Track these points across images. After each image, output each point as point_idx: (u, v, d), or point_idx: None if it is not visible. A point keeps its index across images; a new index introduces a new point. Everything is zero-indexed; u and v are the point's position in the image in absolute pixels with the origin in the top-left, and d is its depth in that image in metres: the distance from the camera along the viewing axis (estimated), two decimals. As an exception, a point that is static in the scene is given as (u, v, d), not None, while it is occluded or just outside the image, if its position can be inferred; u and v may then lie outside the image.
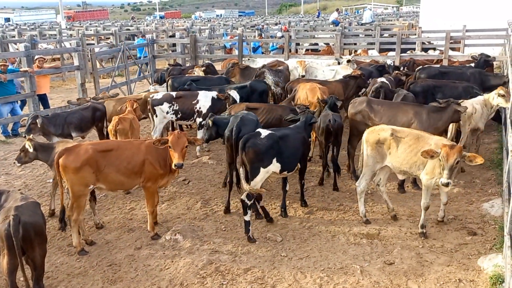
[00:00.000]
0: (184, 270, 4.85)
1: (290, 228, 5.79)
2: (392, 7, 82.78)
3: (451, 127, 7.42)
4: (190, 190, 7.09)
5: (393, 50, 13.44)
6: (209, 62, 11.76)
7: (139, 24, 36.14)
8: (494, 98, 7.33)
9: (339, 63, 11.73)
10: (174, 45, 20.87)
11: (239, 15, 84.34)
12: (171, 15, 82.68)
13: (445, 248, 5.16)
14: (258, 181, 5.50)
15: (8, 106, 10.11)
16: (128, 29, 26.46)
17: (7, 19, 59.89)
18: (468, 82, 8.78)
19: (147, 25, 32.45)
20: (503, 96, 7.20)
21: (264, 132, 5.66)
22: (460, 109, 6.54)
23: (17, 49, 15.09)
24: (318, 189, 7.02)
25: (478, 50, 14.63)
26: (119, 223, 6.05)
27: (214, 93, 8.38)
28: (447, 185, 4.77)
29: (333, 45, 14.95)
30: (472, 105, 7.33)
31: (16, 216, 3.79)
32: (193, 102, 8.27)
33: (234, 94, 8.72)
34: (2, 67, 9.71)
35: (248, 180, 5.45)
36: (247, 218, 5.46)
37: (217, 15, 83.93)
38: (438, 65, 11.03)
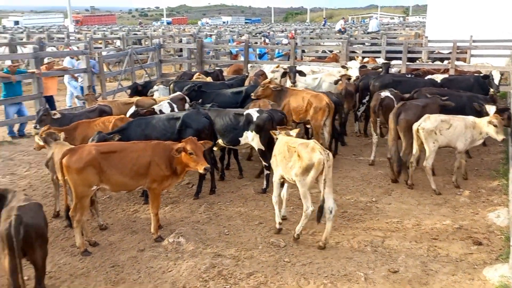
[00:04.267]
0: (186, 273, 4.82)
1: (293, 234, 5.75)
2: (399, 17, 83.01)
3: (414, 143, 7.08)
4: (194, 194, 7.06)
5: (399, 58, 13.46)
6: (219, 69, 11.82)
7: (146, 29, 36.37)
8: (485, 125, 6.80)
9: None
10: (180, 50, 21.01)
11: (246, 22, 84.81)
12: (178, 21, 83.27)
13: (450, 258, 5.11)
14: None
15: (14, 107, 10.16)
16: (136, 34, 26.64)
17: (16, 22, 60.62)
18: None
19: (154, 31, 32.64)
20: (495, 126, 6.66)
21: None
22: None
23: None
24: (322, 196, 6.98)
25: (485, 61, 14.66)
26: (123, 225, 6.04)
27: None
28: None
29: (339, 52, 15.00)
30: (448, 120, 6.86)
31: (18, 216, 3.77)
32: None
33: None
34: (12, 68, 9.79)
35: None
36: None
37: (223, 22, 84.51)
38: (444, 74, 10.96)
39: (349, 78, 9.91)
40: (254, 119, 6.91)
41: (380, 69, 10.91)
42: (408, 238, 5.59)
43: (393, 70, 11.76)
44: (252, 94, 8.25)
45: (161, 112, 7.61)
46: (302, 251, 5.31)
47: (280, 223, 5.80)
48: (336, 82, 9.85)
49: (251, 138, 6.99)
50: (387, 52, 15.28)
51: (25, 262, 3.98)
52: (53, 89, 11.16)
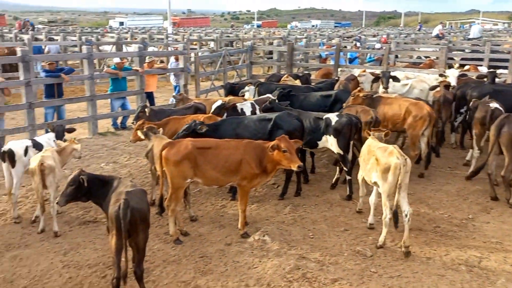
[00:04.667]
0: (271, 271, 4.89)
1: (377, 243, 5.58)
2: (503, 23, 76.79)
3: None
4: (279, 194, 7.13)
5: (505, 67, 12.43)
6: (308, 72, 11.88)
7: (237, 31, 37.46)
8: None
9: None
10: (270, 52, 21.33)
11: (335, 26, 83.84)
12: (267, 24, 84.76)
13: (560, 288, 4.63)
14: None
15: (119, 101, 11.04)
16: (228, 36, 27.56)
17: (121, 23, 66.08)
18: None
19: (245, 33, 33.50)
20: None
21: None
22: None
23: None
24: (413, 207, 6.66)
25: None
26: (211, 218, 6.29)
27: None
28: None
29: (437, 58, 14.24)
30: None
31: (126, 200, 4.09)
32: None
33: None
34: (120, 65, 10.67)
35: None
36: None
37: (312, 26, 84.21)
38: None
39: (447, 86, 9.36)
40: (333, 123, 6.94)
41: (485, 78, 10.14)
42: (508, 261, 5.16)
43: (496, 80, 10.88)
44: (344, 104, 8.16)
45: (242, 110, 7.87)
46: (390, 263, 5.13)
47: (360, 209, 6.38)
48: (432, 89, 9.35)
49: (330, 142, 7.01)
50: (491, 60, 14.20)
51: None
52: (153, 86, 11.96)
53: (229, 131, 6.73)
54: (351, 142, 7.08)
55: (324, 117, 7.08)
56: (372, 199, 5.90)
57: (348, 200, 6.90)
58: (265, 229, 5.83)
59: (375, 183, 5.53)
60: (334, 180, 7.48)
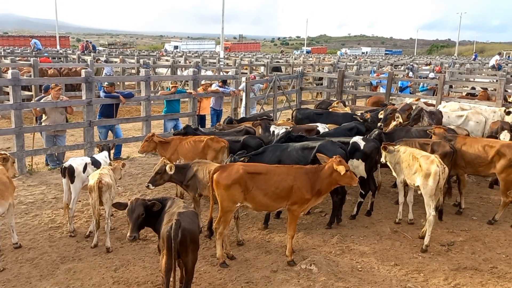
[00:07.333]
0: (318, 303, 4.80)
1: (433, 282, 5.35)
2: None
3: None
4: (327, 223, 7.03)
5: None
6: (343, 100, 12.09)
7: (287, 57, 37.90)
8: None
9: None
10: (319, 78, 21.39)
11: (386, 53, 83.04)
12: (317, 50, 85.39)
13: None
14: None
15: (172, 122, 11.41)
16: (278, 61, 27.94)
17: (176, 47, 68.84)
18: None
19: (295, 59, 33.84)
20: None
21: None
22: None
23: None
24: (467, 245, 6.38)
25: None
26: (258, 243, 6.28)
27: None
28: None
29: (493, 90, 13.73)
30: None
31: (178, 221, 4.18)
32: None
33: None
34: (174, 88, 11.08)
35: None
36: None
37: (362, 53, 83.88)
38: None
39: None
40: (362, 147, 7.06)
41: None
42: None
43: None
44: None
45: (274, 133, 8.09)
46: (442, 302, 4.90)
47: (400, 219, 6.98)
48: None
49: (355, 166, 7.04)
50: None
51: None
52: (207, 108, 12.31)
53: (272, 158, 6.77)
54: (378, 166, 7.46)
55: (351, 142, 7.15)
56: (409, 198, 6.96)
57: (352, 219, 7.18)
58: (312, 258, 5.73)
59: (418, 186, 6.27)
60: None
